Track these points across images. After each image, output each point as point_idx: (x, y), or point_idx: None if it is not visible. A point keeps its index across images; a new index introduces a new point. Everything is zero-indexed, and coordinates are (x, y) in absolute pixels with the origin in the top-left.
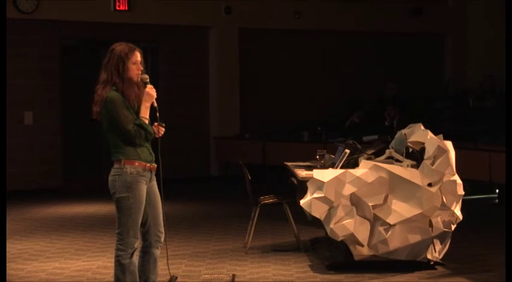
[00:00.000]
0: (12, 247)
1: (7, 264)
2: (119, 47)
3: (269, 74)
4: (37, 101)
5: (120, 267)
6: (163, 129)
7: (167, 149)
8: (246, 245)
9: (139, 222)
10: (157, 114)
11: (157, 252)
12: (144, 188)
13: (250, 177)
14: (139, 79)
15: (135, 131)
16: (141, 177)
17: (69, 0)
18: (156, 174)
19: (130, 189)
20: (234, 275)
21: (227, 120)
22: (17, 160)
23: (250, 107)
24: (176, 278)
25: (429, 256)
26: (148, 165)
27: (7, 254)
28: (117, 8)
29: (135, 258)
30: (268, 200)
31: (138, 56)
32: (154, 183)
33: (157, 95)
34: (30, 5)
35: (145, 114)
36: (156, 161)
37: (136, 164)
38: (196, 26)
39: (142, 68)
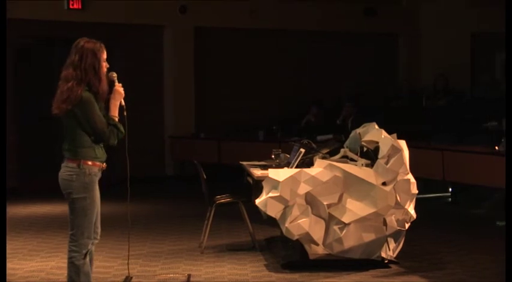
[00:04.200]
0: None
1: None
2: (90, 45)
3: (225, 74)
4: None
5: (74, 268)
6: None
7: (122, 148)
8: (201, 245)
9: (93, 222)
10: (125, 113)
11: (93, 248)
12: (97, 188)
13: (205, 177)
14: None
15: (109, 131)
16: (96, 177)
17: None
18: (108, 173)
19: (88, 190)
20: (189, 275)
21: (182, 120)
22: None
23: (206, 107)
24: (131, 278)
25: (383, 254)
26: (102, 165)
27: None
28: (71, 7)
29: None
30: (224, 199)
31: (105, 54)
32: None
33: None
34: None
35: (115, 112)
36: (112, 161)
37: (92, 163)
38: (151, 24)
39: (108, 65)
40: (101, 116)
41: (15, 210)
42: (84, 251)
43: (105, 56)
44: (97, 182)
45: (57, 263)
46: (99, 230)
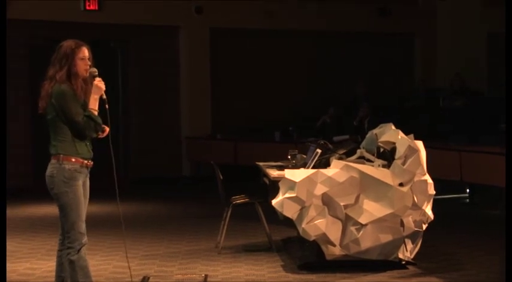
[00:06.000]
0: None
1: None
2: (66, 43)
3: (241, 74)
4: (8, 101)
5: (71, 264)
6: (108, 129)
7: (139, 149)
8: (218, 245)
9: (82, 217)
10: (107, 106)
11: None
12: (80, 184)
13: (222, 177)
14: (87, 74)
15: (84, 122)
16: (78, 173)
17: (39, 0)
18: (91, 173)
19: (68, 185)
20: (206, 275)
21: (199, 121)
22: None
23: (222, 107)
24: (149, 278)
25: (401, 256)
26: (85, 162)
27: None
28: (87, 8)
29: (83, 254)
30: (240, 200)
31: (85, 52)
32: (87, 180)
33: (128, 95)
34: None
35: (94, 106)
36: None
37: (74, 160)
38: (167, 25)
39: (89, 64)
40: (77, 108)
41: (32, 210)
42: (78, 246)
43: (84, 54)
44: (80, 179)
45: None
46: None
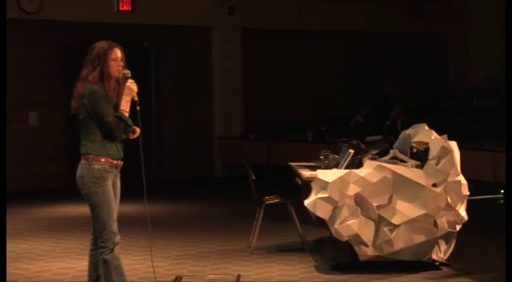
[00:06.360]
0: (17, 247)
1: (12, 264)
2: (99, 45)
3: (273, 74)
4: (41, 101)
5: (105, 264)
6: (139, 130)
7: (171, 149)
8: (250, 246)
9: (113, 216)
10: (138, 108)
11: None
12: (110, 184)
13: (254, 178)
14: (120, 75)
15: (114, 123)
16: (107, 173)
17: (72, 0)
18: (124, 173)
19: (98, 185)
20: (239, 275)
21: (231, 121)
22: (21, 160)
23: (254, 107)
24: (181, 278)
25: (434, 256)
26: (115, 162)
27: (12, 254)
28: (120, 8)
29: (117, 253)
30: (273, 200)
31: (117, 53)
32: (118, 180)
33: (161, 95)
34: (33, 5)
35: (125, 107)
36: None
37: (103, 160)
38: (200, 26)
39: (122, 64)
40: (108, 108)
41: (65, 210)
42: (111, 245)
43: (116, 55)
44: (109, 179)
45: None
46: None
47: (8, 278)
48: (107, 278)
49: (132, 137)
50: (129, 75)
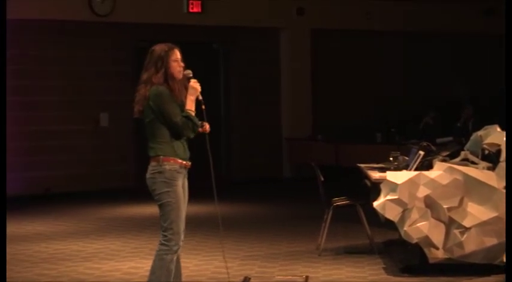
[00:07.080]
0: (88, 247)
1: (84, 264)
2: (159, 47)
3: (341, 75)
4: (112, 102)
5: (160, 262)
6: (208, 125)
7: (239, 150)
8: (319, 247)
9: (182, 217)
10: (203, 106)
11: (179, 250)
12: (180, 184)
13: (322, 179)
14: (181, 75)
15: (182, 122)
16: (177, 174)
17: (143, 3)
18: (193, 174)
19: (170, 185)
20: (307, 277)
21: (299, 122)
22: (92, 161)
23: (323, 108)
24: (249, 278)
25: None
26: (184, 162)
27: (84, 253)
28: (190, 11)
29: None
30: (341, 201)
31: (177, 54)
32: (186, 181)
33: (230, 96)
34: (106, 8)
35: (191, 106)
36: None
37: (173, 160)
38: (269, 27)
39: (183, 65)
40: (175, 108)
41: (136, 210)
42: (174, 247)
43: (177, 56)
44: (179, 179)
45: None
46: (182, 233)
47: (80, 277)
48: (155, 274)
49: (202, 131)
50: (191, 75)
